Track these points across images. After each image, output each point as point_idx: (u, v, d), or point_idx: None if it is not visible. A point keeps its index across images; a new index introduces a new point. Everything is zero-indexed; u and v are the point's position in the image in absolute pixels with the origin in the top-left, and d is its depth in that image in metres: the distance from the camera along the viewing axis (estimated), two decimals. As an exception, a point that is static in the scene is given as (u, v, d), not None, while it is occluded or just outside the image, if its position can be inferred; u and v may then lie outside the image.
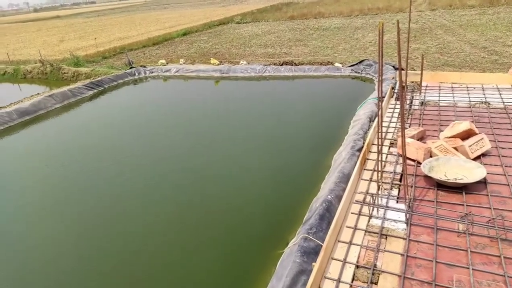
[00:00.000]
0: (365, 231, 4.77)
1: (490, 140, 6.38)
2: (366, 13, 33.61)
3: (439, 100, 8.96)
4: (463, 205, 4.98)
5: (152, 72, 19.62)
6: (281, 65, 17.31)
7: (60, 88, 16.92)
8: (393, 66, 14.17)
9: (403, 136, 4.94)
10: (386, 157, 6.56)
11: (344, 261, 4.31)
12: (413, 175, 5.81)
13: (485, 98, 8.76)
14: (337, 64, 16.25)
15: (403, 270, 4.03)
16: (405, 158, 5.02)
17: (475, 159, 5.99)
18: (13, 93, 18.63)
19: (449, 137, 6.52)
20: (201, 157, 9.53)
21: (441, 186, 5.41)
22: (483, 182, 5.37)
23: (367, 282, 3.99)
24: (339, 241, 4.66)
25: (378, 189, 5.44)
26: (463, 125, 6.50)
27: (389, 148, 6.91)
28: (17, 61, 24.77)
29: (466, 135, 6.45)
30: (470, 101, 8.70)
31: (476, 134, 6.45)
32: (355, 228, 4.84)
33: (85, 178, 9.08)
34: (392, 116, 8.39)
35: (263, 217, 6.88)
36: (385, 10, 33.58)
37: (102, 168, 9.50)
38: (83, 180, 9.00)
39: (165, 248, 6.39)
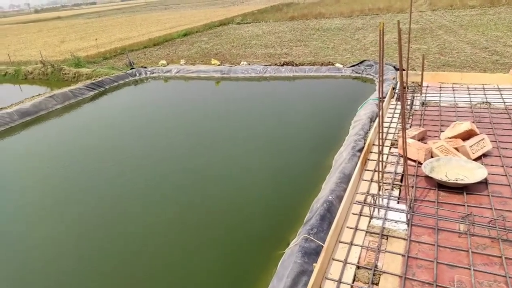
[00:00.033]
0: (366, 232, 4.77)
1: (491, 141, 6.37)
2: (367, 14, 33.60)
3: (440, 101, 8.96)
4: (464, 205, 4.97)
5: (153, 73, 19.64)
6: (282, 65, 17.31)
7: (61, 88, 16.93)
8: (394, 67, 14.17)
9: (404, 137, 4.94)
10: (387, 158, 6.55)
11: (345, 262, 4.31)
12: (414, 175, 5.80)
13: (486, 98, 8.75)
14: (337, 65, 16.25)
15: (404, 270, 4.02)
16: (406, 158, 5.01)
17: (476, 159, 5.98)
18: (14, 94, 18.67)
19: (450, 138, 6.51)
20: (202, 158, 9.53)
21: (442, 186, 5.41)
22: (484, 183, 5.37)
23: (368, 283, 3.99)
24: (340, 242, 4.66)
25: (379, 190, 5.44)
26: (464, 126, 6.50)
27: (390, 149, 6.90)
28: (18, 62, 24.81)
29: (467, 136, 6.45)
30: (471, 101, 8.70)
31: (477, 134, 6.45)
32: (356, 229, 4.84)
33: (86, 179, 9.09)
34: (393, 117, 8.38)
35: (264, 217, 6.87)
36: (385, 10, 33.58)
37: (103, 168, 9.51)
38: (84, 181, 9.01)
39: (165, 248, 6.39)
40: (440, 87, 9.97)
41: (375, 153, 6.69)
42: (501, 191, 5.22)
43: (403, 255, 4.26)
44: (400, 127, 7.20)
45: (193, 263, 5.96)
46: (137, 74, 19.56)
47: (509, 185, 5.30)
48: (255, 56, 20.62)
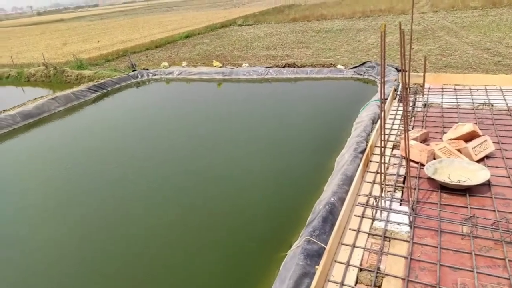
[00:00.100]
0: (368, 234, 4.75)
1: (493, 142, 6.35)
2: (368, 15, 33.59)
3: (442, 102, 8.93)
4: (467, 207, 4.95)
5: (155, 75, 19.68)
6: (283, 67, 17.31)
7: (63, 91, 16.98)
8: (396, 68, 14.16)
9: (406, 138, 4.93)
10: (389, 159, 6.54)
11: (347, 264, 4.29)
12: (416, 177, 5.79)
13: (489, 99, 8.73)
14: (339, 66, 16.25)
15: (406, 273, 4.00)
16: (408, 160, 5.00)
17: (478, 161, 5.95)
18: (16, 96, 18.76)
19: (453, 139, 6.49)
20: (204, 159, 9.54)
21: (445, 188, 5.39)
22: (487, 184, 5.34)
23: (370, 285, 3.97)
24: (342, 244, 4.64)
25: (381, 192, 5.43)
26: (467, 127, 6.48)
27: (392, 150, 6.89)
28: (20, 64, 24.91)
29: (469, 137, 6.42)
30: (473, 102, 8.67)
31: (479, 136, 6.43)
32: (358, 231, 4.83)
33: (88, 181, 9.11)
34: (395, 118, 8.37)
35: (266, 219, 6.87)
36: (387, 12, 33.57)
37: (105, 170, 9.53)
38: (86, 183, 9.03)
39: (167, 250, 6.39)
40: (442, 88, 9.95)
41: (377, 155, 6.67)
42: (504, 193, 5.20)
43: (405, 257, 4.24)
44: (402, 128, 7.18)
45: (195, 265, 5.96)
46: (139, 76, 19.60)
47: (512, 187, 5.28)
48: (257, 58, 20.64)
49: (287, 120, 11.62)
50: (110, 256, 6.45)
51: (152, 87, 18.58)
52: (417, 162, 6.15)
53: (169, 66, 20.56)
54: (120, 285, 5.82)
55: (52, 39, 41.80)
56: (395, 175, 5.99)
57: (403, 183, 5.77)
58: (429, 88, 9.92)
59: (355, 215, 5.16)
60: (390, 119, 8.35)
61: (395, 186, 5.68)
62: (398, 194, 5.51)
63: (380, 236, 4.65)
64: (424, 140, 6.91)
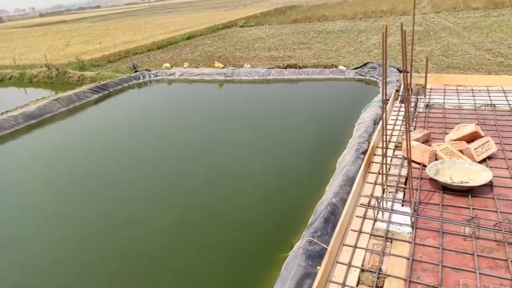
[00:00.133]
0: (370, 235, 4.75)
1: (496, 143, 6.33)
2: (370, 16, 33.57)
3: (444, 103, 8.92)
4: (469, 208, 4.94)
5: (157, 76, 19.72)
6: (285, 68, 17.32)
7: (65, 92, 17.04)
8: (398, 69, 14.14)
9: (408, 139, 4.92)
10: (391, 160, 6.53)
11: (349, 265, 4.29)
12: (418, 178, 5.78)
13: (491, 100, 8.71)
14: (341, 67, 16.24)
15: (408, 274, 4.00)
16: (410, 161, 5.00)
17: (480, 162, 5.94)
18: (19, 97, 18.83)
19: (455, 140, 6.48)
20: (205, 160, 9.54)
21: (447, 189, 5.38)
22: (489, 185, 5.33)
23: (372, 286, 3.97)
24: (344, 245, 4.64)
25: (383, 192, 5.42)
26: (469, 128, 6.47)
27: (394, 151, 6.88)
28: (23, 66, 25.00)
29: (471, 138, 6.41)
30: (475, 103, 8.66)
31: (481, 136, 6.42)
32: (360, 232, 4.82)
33: (90, 182, 9.13)
34: (396, 119, 8.36)
35: (268, 220, 6.87)
36: (389, 12, 33.54)
37: (107, 171, 9.55)
38: (87, 184, 9.05)
39: (169, 251, 6.40)
40: (444, 89, 9.94)
41: (379, 155, 6.67)
42: (506, 193, 5.18)
43: (407, 258, 4.24)
44: (404, 129, 7.17)
45: (196, 266, 5.96)
46: (141, 77, 19.64)
47: (515, 188, 5.26)
48: (258, 58, 20.66)
49: (289, 121, 11.62)
50: (112, 256, 6.46)
51: (154, 88, 18.62)
52: (419, 163, 6.15)
53: (171, 67, 20.60)
54: (121, 285, 5.83)
55: (54, 40, 41.94)
56: (397, 176, 5.98)
57: (405, 184, 5.77)
58: (431, 88, 9.91)
59: (357, 216, 5.16)
60: (392, 120, 8.35)
61: (397, 187, 5.68)
62: (400, 195, 5.51)
63: (382, 237, 4.65)
64: (426, 141, 6.90)
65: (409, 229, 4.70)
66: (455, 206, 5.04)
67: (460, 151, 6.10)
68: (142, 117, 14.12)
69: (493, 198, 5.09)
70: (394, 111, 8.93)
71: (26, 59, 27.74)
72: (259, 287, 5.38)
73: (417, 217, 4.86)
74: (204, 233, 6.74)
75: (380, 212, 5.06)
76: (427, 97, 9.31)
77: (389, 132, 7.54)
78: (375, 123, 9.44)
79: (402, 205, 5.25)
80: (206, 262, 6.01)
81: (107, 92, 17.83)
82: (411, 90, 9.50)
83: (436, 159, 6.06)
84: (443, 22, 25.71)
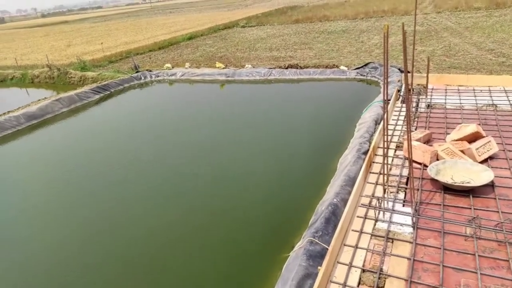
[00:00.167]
0: (371, 235, 4.74)
1: (497, 143, 6.32)
2: (372, 16, 33.55)
3: (445, 103, 8.91)
4: (470, 208, 4.93)
5: (158, 76, 19.74)
6: (286, 68, 17.31)
7: (67, 92, 17.08)
8: (399, 69, 14.13)
9: (409, 139, 4.91)
10: (392, 160, 6.53)
11: (350, 265, 4.29)
12: (419, 178, 5.77)
13: (492, 100, 8.69)
14: (342, 67, 16.23)
15: (409, 274, 3.99)
16: (411, 161, 4.99)
17: (482, 162, 5.93)
18: (20, 98, 18.87)
19: (456, 140, 6.47)
20: (206, 161, 9.54)
21: (448, 189, 5.37)
22: (491, 185, 5.32)
23: (373, 286, 3.96)
24: (345, 245, 4.63)
25: (384, 193, 5.42)
26: (470, 128, 6.45)
27: (395, 151, 6.87)
28: (24, 66, 25.06)
29: (473, 138, 6.40)
30: (477, 103, 8.64)
31: (483, 137, 6.40)
32: (361, 232, 4.82)
33: (91, 182, 9.14)
34: (398, 119, 8.35)
35: (269, 220, 6.87)
36: (390, 12, 33.51)
37: (108, 171, 9.56)
38: (89, 184, 9.06)
39: (170, 251, 6.40)
40: (446, 89, 9.92)
41: (380, 155, 6.66)
42: (508, 194, 5.17)
43: (408, 259, 4.23)
44: (406, 129, 7.17)
45: (198, 266, 5.97)
46: (142, 78, 19.67)
47: (516, 188, 5.25)
48: (260, 59, 20.66)
49: (290, 121, 11.62)
50: (113, 256, 6.47)
51: (155, 88, 18.64)
52: (420, 163, 6.14)
53: (172, 67, 20.62)
54: (122, 285, 5.84)
55: (56, 41, 42.02)
56: (398, 176, 5.97)
57: (406, 184, 5.76)
58: (432, 89, 9.89)
59: (358, 216, 5.15)
60: (393, 120, 8.34)
61: (398, 187, 5.67)
62: (401, 195, 5.50)
63: (383, 237, 4.64)
64: (427, 141, 6.89)
65: (410, 229, 4.69)
66: (456, 207, 5.03)
67: (462, 151, 6.09)
68: (143, 117, 14.13)
69: (495, 198, 5.07)
70: (395, 111, 8.92)
71: (28, 60, 27.80)
72: (260, 287, 5.38)
73: (418, 217, 4.85)
74: (205, 233, 6.74)
75: (381, 212, 5.05)
76: (429, 97, 9.29)
77: (390, 132, 7.53)
78: (376, 123, 9.43)
79: (403, 205, 5.24)
80: (207, 262, 6.01)
81: (109, 92, 17.86)
82: (413, 90, 9.49)
83: (438, 159, 6.05)
84: (444, 22, 25.68)
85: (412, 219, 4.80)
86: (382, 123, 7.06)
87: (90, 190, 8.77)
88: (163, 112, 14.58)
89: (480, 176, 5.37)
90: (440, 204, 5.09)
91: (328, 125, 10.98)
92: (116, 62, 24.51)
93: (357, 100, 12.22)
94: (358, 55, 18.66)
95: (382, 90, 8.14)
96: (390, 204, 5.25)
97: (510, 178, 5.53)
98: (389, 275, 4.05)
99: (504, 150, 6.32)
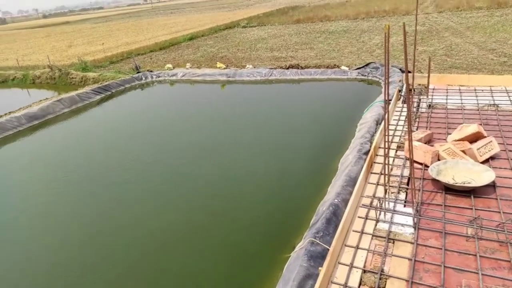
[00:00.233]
0: (372, 235, 4.74)
1: (499, 143, 6.31)
2: (373, 16, 33.53)
3: (446, 103, 8.89)
4: (471, 209, 4.92)
5: (159, 77, 19.76)
6: (287, 68, 17.30)
7: (68, 93, 17.10)
8: (400, 69, 14.11)
9: (410, 139, 4.91)
10: (393, 161, 6.51)
11: (351, 266, 4.28)
12: (420, 178, 5.76)
13: (494, 100, 8.68)
14: (343, 67, 16.21)
15: (410, 274, 3.98)
16: (413, 161, 4.98)
17: (483, 162, 5.92)
18: (22, 98, 18.89)
19: (457, 140, 6.46)
20: (207, 161, 9.55)
21: (449, 189, 5.36)
22: (492, 186, 5.31)
23: (374, 287, 3.95)
24: (346, 246, 4.63)
25: (385, 193, 5.40)
26: (471, 128, 6.44)
27: (396, 152, 6.87)
28: (26, 67, 25.09)
29: (474, 138, 6.39)
30: (478, 103, 8.62)
31: (484, 137, 6.39)
32: (362, 232, 4.81)
33: (92, 183, 9.15)
34: (399, 119, 8.34)
35: (270, 220, 6.86)
36: (391, 12, 33.48)
37: (109, 172, 9.57)
38: (89, 185, 9.07)
39: (171, 252, 6.40)
40: (447, 89, 9.91)
41: (381, 156, 6.64)
42: (509, 194, 5.16)
43: (409, 259, 4.22)
44: (407, 129, 7.15)
45: (199, 266, 5.97)
46: (143, 78, 19.69)
47: (518, 188, 5.24)
48: (261, 59, 20.66)
49: (291, 121, 11.62)
50: (114, 257, 6.47)
51: (156, 89, 18.65)
52: (421, 163, 6.13)
53: (173, 68, 20.63)
54: (123, 286, 5.84)
55: (57, 41, 42.07)
56: (399, 176, 5.96)
57: (407, 184, 5.75)
58: (433, 89, 9.88)
59: (359, 217, 5.15)
60: (394, 120, 8.33)
61: (399, 187, 5.66)
62: (402, 196, 5.49)
63: (384, 237, 4.64)
64: (429, 141, 6.87)
65: (411, 230, 4.68)
66: (457, 207, 5.02)
67: (463, 151, 6.08)
68: (144, 118, 14.15)
69: (496, 199, 5.06)
70: (396, 111, 8.91)
71: (29, 60, 27.84)
72: (261, 287, 5.37)
73: (419, 217, 4.84)
74: (206, 233, 6.74)
75: (382, 213, 5.04)
76: (430, 97, 9.28)
77: (391, 133, 7.52)
78: (378, 123, 9.42)
79: (404, 206, 5.24)
80: (208, 262, 6.02)
81: (110, 93, 17.88)
82: (414, 90, 9.48)
83: (439, 160, 6.04)
84: (446, 22, 25.64)
85: (413, 220, 4.79)
86: (383, 123, 7.05)
87: (91, 191, 8.78)
88: (164, 112, 14.59)
89: (481, 176, 5.36)
90: (441, 205, 5.08)
91: (329, 125, 10.98)
92: (117, 62, 24.54)
93: (358, 100, 12.21)
94: (359, 55, 18.65)
95: (383, 90, 8.12)
96: (391, 204, 5.25)
97: (511, 178, 5.52)
98: (390, 276, 4.04)
99: (505, 150, 6.31)
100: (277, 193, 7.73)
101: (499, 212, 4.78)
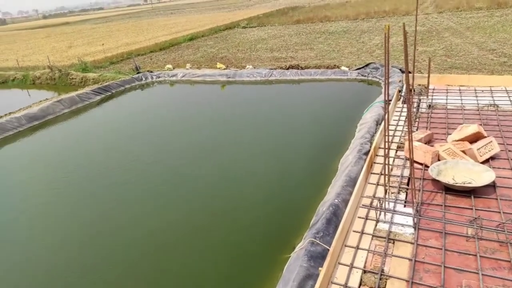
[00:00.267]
0: (372, 236, 4.74)
1: (499, 143, 6.31)
2: (373, 16, 33.54)
3: (446, 103, 8.90)
4: (471, 209, 4.92)
5: (159, 77, 19.76)
6: (287, 69, 17.31)
7: (68, 93, 17.10)
8: (400, 69, 14.11)
9: (410, 140, 4.91)
10: (393, 161, 6.52)
11: (351, 266, 4.28)
12: (420, 178, 5.76)
13: (494, 100, 8.68)
14: (343, 68, 16.22)
15: (411, 275, 3.98)
16: (413, 161, 4.98)
17: (483, 162, 5.92)
18: (22, 99, 18.89)
19: (457, 140, 6.46)
20: (207, 162, 9.54)
21: (449, 190, 5.36)
22: (492, 186, 5.31)
23: (374, 287, 3.95)
24: (346, 246, 4.63)
25: (385, 193, 5.41)
26: (471, 128, 6.44)
27: (396, 152, 6.87)
28: (26, 67, 25.09)
29: (474, 138, 6.39)
30: (478, 103, 8.63)
31: (484, 137, 6.39)
32: (362, 233, 4.81)
33: (92, 183, 9.14)
34: (399, 120, 8.34)
35: (270, 221, 6.86)
36: (391, 13, 33.49)
37: (109, 173, 9.56)
38: (89, 185, 9.07)
39: (171, 252, 6.40)
40: (447, 89, 9.91)
41: (381, 156, 6.64)
42: (509, 194, 5.16)
43: (410, 259, 4.22)
44: (407, 130, 7.16)
45: (199, 267, 5.96)
46: (143, 79, 19.69)
47: (518, 188, 5.23)
48: (261, 59, 20.66)
49: (291, 122, 11.62)
50: (114, 258, 6.46)
51: (156, 89, 18.66)
52: (421, 164, 6.13)
53: (173, 68, 20.63)
54: (123, 286, 5.83)
55: (58, 42, 42.09)
56: (399, 176, 5.96)
57: (407, 184, 5.75)
58: (433, 89, 9.88)
59: (359, 217, 5.15)
60: (394, 120, 8.33)
61: (399, 187, 5.66)
62: (402, 196, 5.49)
63: (384, 238, 4.63)
64: (429, 141, 6.87)
65: (412, 230, 4.68)
66: (457, 207, 5.01)
67: (463, 151, 6.08)
68: (144, 118, 14.15)
69: (496, 199, 5.06)
70: (396, 111, 8.91)
71: (29, 61, 27.85)
72: (261, 288, 5.38)
73: (420, 218, 4.84)
74: (206, 234, 6.73)
75: (382, 213, 5.04)
76: (430, 97, 9.28)
77: (391, 133, 7.52)
78: (378, 123, 9.41)
79: (405, 206, 5.24)
80: (208, 263, 6.01)
81: (110, 93, 17.88)
82: (414, 91, 9.48)
83: (439, 160, 6.04)
84: (446, 22, 25.65)
85: (413, 220, 4.79)
86: (383, 123, 7.05)
87: (91, 191, 8.78)
88: (164, 113, 14.59)
89: (481, 176, 5.36)
90: (442, 205, 5.08)
91: (329, 125, 10.98)
92: (117, 63, 24.54)
93: (358, 101, 12.20)
94: (359, 56, 18.65)
95: (383, 90, 8.12)
96: (391, 204, 5.25)
97: (511, 178, 5.51)
98: (390, 276, 4.04)
99: (505, 151, 6.31)
100: (277, 193, 7.73)
101: (499, 212, 4.78)
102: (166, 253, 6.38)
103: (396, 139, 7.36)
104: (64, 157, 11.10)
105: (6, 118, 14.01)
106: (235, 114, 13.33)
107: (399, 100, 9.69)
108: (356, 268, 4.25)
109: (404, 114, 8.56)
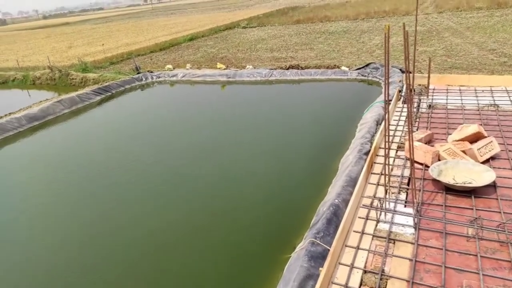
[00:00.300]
0: (373, 236, 4.73)
1: (499, 143, 6.31)
2: (373, 16, 33.54)
3: (446, 103, 8.89)
4: (472, 209, 4.92)
5: (159, 77, 19.76)
6: (287, 69, 17.31)
7: (68, 93, 17.09)
8: (400, 69, 14.10)
9: (410, 140, 4.90)
10: (394, 161, 6.51)
11: (352, 266, 4.28)
12: (421, 179, 5.76)
13: (494, 100, 8.68)
14: (343, 68, 16.22)
15: (411, 275, 3.98)
16: (413, 161, 4.97)
17: (484, 162, 5.92)
18: (22, 99, 18.90)
19: (458, 140, 6.46)
20: (207, 162, 9.54)
21: (450, 190, 5.36)
22: (493, 186, 5.31)
23: (374, 287, 3.95)
24: (346, 246, 4.63)
25: (386, 193, 5.40)
26: (472, 128, 6.44)
27: (396, 152, 6.86)
28: (26, 68, 25.10)
29: (474, 138, 6.39)
30: (478, 103, 8.62)
31: (484, 137, 6.39)
32: (363, 233, 4.81)
33: (92, 183, 9.14)
34: (399, 119, 8.34)
35: (270, 221, 6.86)
36: (391, 13, 33.49)
37: (109, 173, 9.56)
38: (90, 185, 9.07)
39: (171, 252, 6.40)
40: (447, 89, 9.91)
41: (382, 156, 6.64)
42: (510, 194, 5.15)
43: (410, 260, 4.22)
44: (407, 130, 7.15)
45: (198, 267, 5.96)
46: (144, 79, 19.69)
47: (518, 188, 5.23)
48: (261, 59, 20.66)
49: (291, 122, 11.62)
50: (114, 258, 6.46)
51: (156, 89, 18.66)
52: (421, 164, 6.13)
53: (173, 68, 20.63)
54: (123, 286, 5.83)
55: (58, 42, 42.09)
56: (399, 176, 5.96)
57: (408, 184, 5.75)
58: (433, 89, 9.88)
59: (359, 217, 5.15)
60: (394, 120, 8.33)
61: (400, 187, 5.66)
62: (402, 196, 5.49)
63: (385, 238, 4.63)
64: (429, 141, 6.87)
65: (412, 230, 4.67)
66: (458, 207, 5.01)
67: (463, 151, 6.07)
68: (144, 118, 14.15)
69: (497, 199, 5.06)
70: (396, 111, 8.91)
71: (29, 61, 27.85)
72: (262, 288, 5.38)
73: (420, 218, 4.84)
74: (206, 234, 6.73)
75: (383, 213, 5.04)
76: (430, 97, 9.28)
77: (391, 133, 7.52)
78: (378, 123, 9.41)
79: (405, 206, 5.23)
80: (208, 263, 6.01)
81: (110, 93, 17.88)
82: (414, 91, 9.48)
83: (439, 160, 6.04)
84: (446, 22, 25.65)
85: (414, 220, 4.78)
86: (383, 123, 7.05)
87: (91, 191, 8.78)
88: (164, 113, 14.59)
89: (482, 176, 5.36)
90: (442, 205, 5.08)
91: (329, 125, 10.97)
92: (117, 63, 24.55)
93: (358, 101, 12.20)
94: (359, 56, 18.65)
95: (383, 90, 8.12)
96: (392, 205, 5.24)
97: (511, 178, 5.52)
98: (391, 276, 4.04)
99: (505, 151, 6.31)
100: (277, 193, 7.73)
101: (500, 212, 4.78)
102: (166, 253, 6.38)
103: (397, 139, 7.35)
104: (64, 157, 11.10)
105: (6, 118, 14.01)
106: (235, 114, 13.33)
107: (399, 100, 9.69)
108: (357, 268, 4.25)
109: (404, 114, 8.55)
